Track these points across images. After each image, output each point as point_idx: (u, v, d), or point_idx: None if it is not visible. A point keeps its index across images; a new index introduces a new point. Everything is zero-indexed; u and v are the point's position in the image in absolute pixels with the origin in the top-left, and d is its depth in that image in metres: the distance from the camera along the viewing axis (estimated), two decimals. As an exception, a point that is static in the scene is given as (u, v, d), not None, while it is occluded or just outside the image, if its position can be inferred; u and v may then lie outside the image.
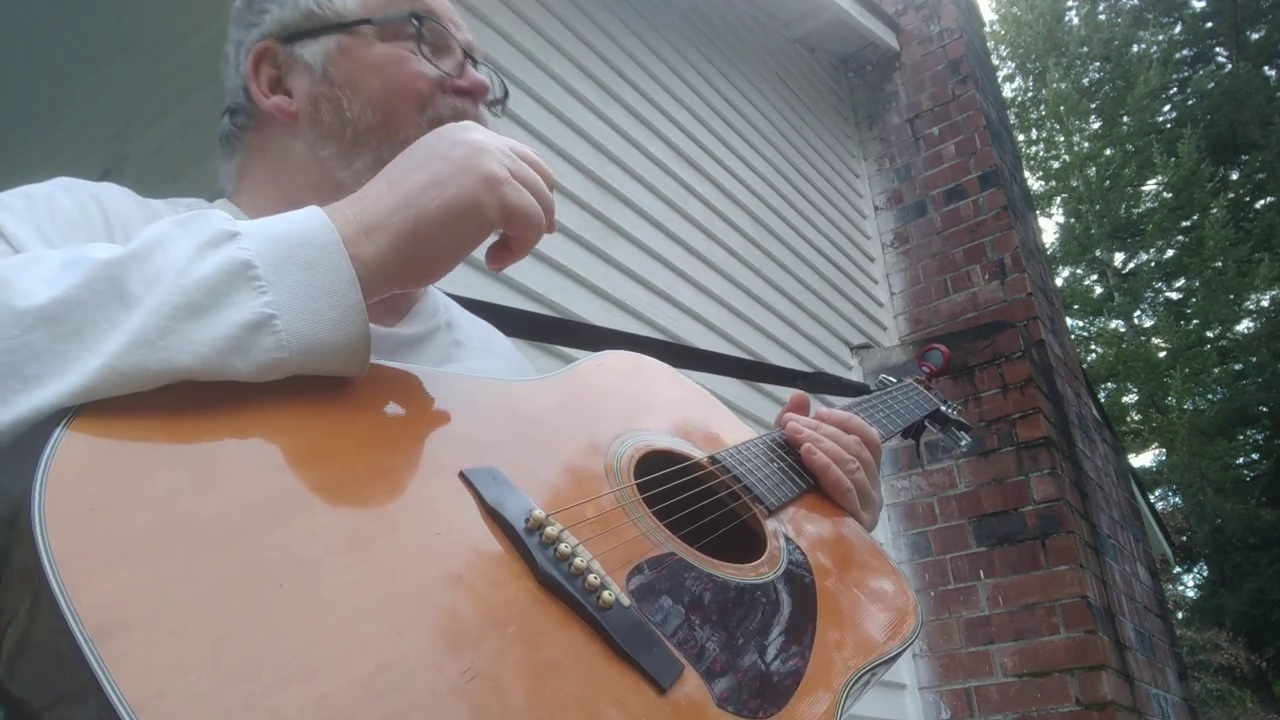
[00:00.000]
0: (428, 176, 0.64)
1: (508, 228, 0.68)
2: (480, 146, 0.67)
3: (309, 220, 0.60)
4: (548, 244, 2.64)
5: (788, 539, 0.82)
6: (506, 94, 0.97)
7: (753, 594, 0.71)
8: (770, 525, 0.83)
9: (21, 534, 0.42)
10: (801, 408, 1.06)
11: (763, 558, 0.77)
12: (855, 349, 4.36)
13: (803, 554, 0.81)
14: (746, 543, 0.80)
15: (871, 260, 4.88)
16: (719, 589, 0.68)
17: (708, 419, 0.96)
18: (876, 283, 4.84)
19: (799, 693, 0.64)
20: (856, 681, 0.70)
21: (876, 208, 5.08)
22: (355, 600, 0.48)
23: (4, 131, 3.20)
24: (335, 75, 0.84)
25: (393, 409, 0.63)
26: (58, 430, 0.46)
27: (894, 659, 0.76)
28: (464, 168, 0.65)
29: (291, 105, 0.86)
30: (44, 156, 3.24)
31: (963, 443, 1.46)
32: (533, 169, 0.70)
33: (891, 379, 1.39)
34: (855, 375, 4.27)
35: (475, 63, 0.91)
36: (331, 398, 0.59)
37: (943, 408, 1.44)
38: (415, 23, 0.86)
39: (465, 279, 2.27)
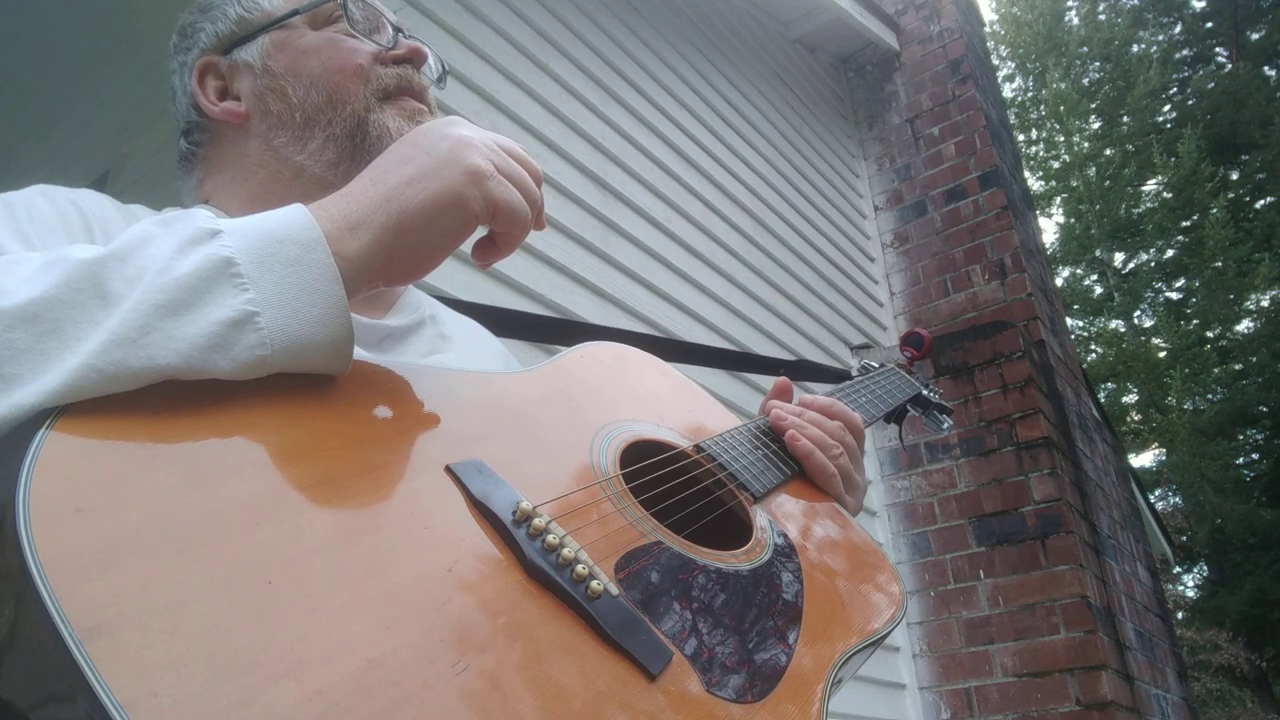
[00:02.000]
0: (411, 171, 0.64)
1: (493, 223, 0.68)
2: (465, 141, 0.66)
3: (291, 217, 0.59)
4: (548, 244, 2.65)
5: (773, 525, 0.83)
6: (446, 70, 1.00)
7: (740, 580, 0.71)
8: (756, 512, 0.83)
9: (5, 536, 0.42)
10: (785, 394, 1.07)
11: (749, 544, 0.77)
12: (855, 349, 4.36)
13: (788, 539, 0.82)
14: (733, 530, 0.81)
15: (871, 260, 4.88)
16: (706, 576, 0.69)
17: (692, 408, 0.97)
18: (876, 283, 4.84)
19: (786, 676, 0.65)
20: (844, 664, 0.71)
21: (876, 208, 5.08)
22: (345, 596, 0.48)
23: (4, 131, 3.20)
24: (275, 67, 0.87)
25: (378, 404, 0.63)
26: (40, 432, 0.46)
27: (880, 640, 0.77)
28: (448, 162, 0.64)
29: (240, 107, 0.88)
30: (44, 156, 3.24)
31: (944, 425, 1.47)
32: (520, 164, 0.70)
33: (874, 364, 1.39)
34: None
35: (407, 36, 0.93)
36: (316, 394, 0.59)
37: (924, 391, 1.44)
38: (341, 3, 0.89)
39: (464, 278, 2.27)
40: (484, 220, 0.67)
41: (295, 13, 0.89)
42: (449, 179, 0.64)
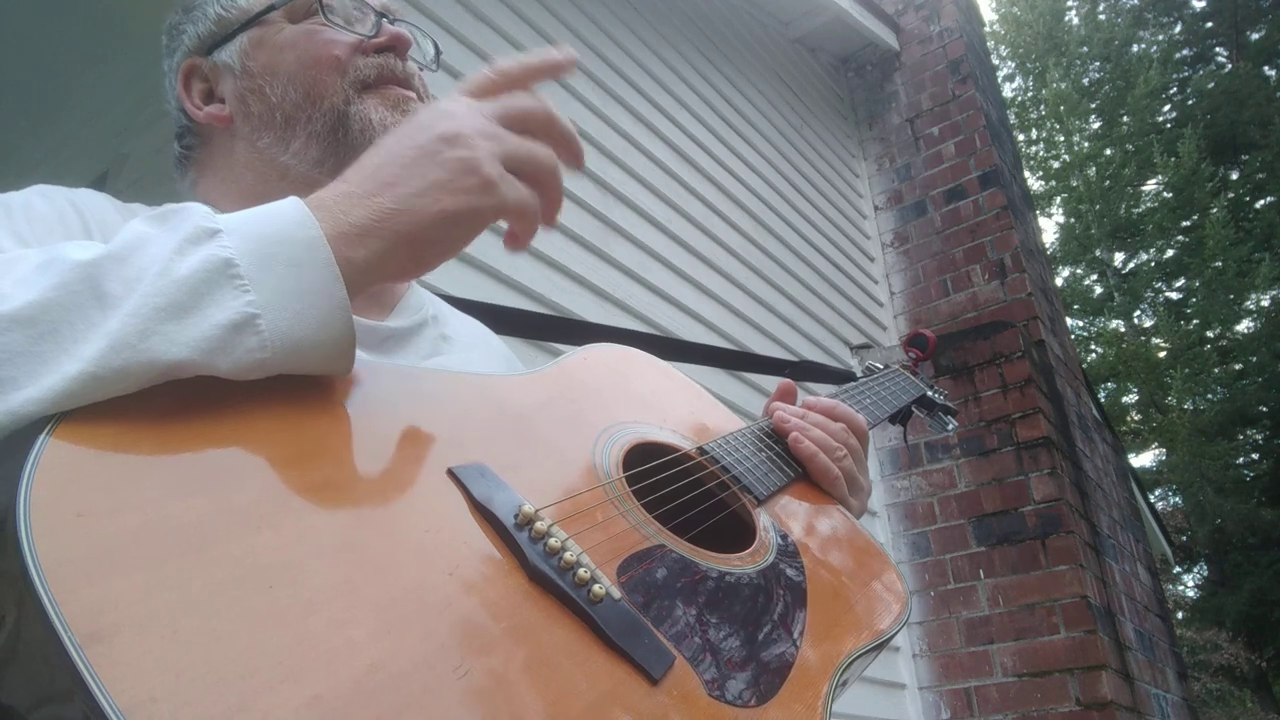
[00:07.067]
0: (421, 182, 0.61)
1: (507, 220, 0.67)
2: (471, 145, 0.63)
3: (290, 215, 0.58)
4: (548, 244, 2.65)
5: (777, 528, 0.83)
6: (439, 51, 0.99)
7: (743, 583, 0.71)
8: (760, 514, 0.83)
9: (6, 540, 0.42)
10: (788, 396, 1.06)
11: (753, 547, 0.77)
12: (855, 349, 4.36)
13: (792, 542, 0.82)
14: (737, 532, 0.80)
15: (871, 260, 4.88)
16: (709, 579, 0.68)
17: (695, 410, 0.96)
18: (876, 283, 4.84)
19: (789, 680, 0.64)
20: (848, 667, 0.70)
21: (876, 208, 5.08)
22: (345, 600, 0.47)
23: (4, 131, 3.20)
24: (253, 67, 0.86)
25: (380, 407, 0.62)
26: (41, 436, 0.46)
27: (884, 644, 0.76)
28: (460, 172, 0.62)
29: (224, 110, 0.88)
30: (44, 156, 3.24)
31: (949, 427, 1.47)
32: (529, 121, 0.68)
33: (879, 365, 1.39)
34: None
35: (392, 21, 0.91)
36: (317, 397, 0.59)
37: (929, 392, 1.44)
38: None
39: (465, 279, 2.27)
40: (497, 221, 0.66)
41: (271, 8, 0.87)
42: (463, 190, 0.61)
